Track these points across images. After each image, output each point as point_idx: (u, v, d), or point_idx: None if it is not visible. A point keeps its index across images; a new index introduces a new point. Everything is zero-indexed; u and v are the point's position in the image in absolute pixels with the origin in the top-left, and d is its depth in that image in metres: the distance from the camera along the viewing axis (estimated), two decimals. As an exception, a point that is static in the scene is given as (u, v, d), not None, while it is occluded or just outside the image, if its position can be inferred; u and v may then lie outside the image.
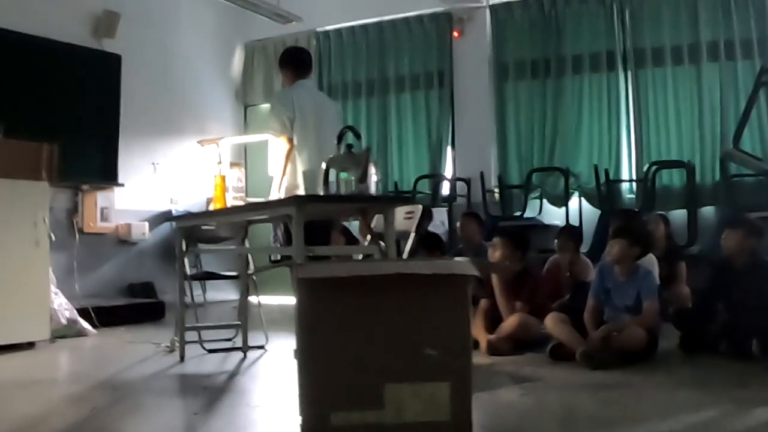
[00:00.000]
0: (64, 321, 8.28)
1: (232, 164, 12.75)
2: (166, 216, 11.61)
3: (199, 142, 12.20)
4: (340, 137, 5.78)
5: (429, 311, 3.59)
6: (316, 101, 7.36)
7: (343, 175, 5.44)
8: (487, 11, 11.73)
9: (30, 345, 7.48)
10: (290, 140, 7.03)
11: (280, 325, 7.95)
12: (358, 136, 5.96)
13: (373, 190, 5.51)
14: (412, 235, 7.15)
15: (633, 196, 10.59)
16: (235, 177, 12.45)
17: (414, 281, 3.55)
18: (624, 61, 10.85)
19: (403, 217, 7.28)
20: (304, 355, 3.63)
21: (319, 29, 12.97)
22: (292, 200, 4.89)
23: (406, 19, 12.32)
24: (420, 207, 7.47)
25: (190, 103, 12.28)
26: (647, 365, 5.99)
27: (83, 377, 6.16)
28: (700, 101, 10.40)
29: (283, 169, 6.96)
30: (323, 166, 5.58)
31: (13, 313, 7.29)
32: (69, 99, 10.36)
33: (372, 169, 5.47)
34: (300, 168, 7.01)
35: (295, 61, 7.59)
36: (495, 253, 7.35)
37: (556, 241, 8.50)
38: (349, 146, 5.56)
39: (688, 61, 10.51)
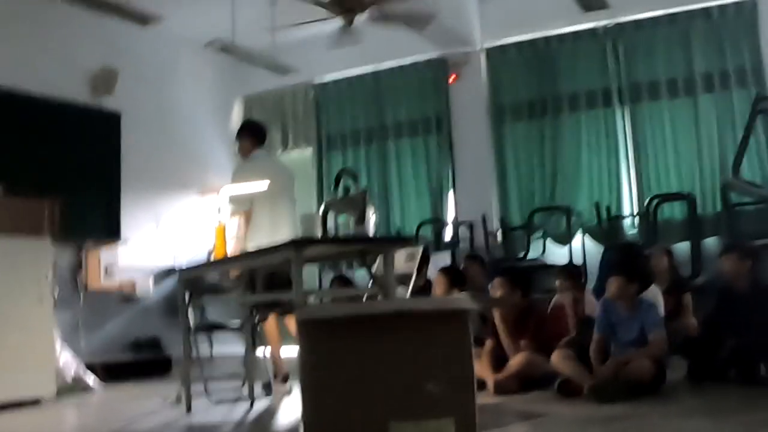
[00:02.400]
0: (70, 377, 8.27)
1: (233, 213, 12.74)
2: (170, 271, 11.61)
3: (199, 193, 12.23)
4: (338, 181, 5.80)
5: (431, 347, 3.58)
6: (274, 169, 7.99)
7: (342, 217, 5.46)
8: (482, 55, 11.78)
9: (36, 401, 7.47)
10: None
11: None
12: (354, 178, 5.98)
13: (371, 231, 5.52)
14: (414, 276, 7.16)
15: (636, 230, 10.56)
16: (236, 226, 12.44)
17: (414, 318, 3.55)
18: (620, 97, 10.88)
19: (405, 260, 7.29)
20: (307, 395, 3.62)
21: (317, 80, 13.03)
22: (291, 244, 4.87)
23: (401, 66, 12.39)
24: (420, 249, 7.49)
25: (190, 156, 12.32)
26: (656, 397, 5.97)
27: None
28: (697, 132, 10.40)
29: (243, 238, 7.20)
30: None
31: (19, 370, 7.28)
32: (70, 156, 10.40)
33: (370, 211, 5.47)
34: (252, 238, 7.37)
35: (255, 132, 8.29)
36: (495, 293, 7.35)
37: (557, 281, 8.47)
38: (347, 189, 5.58)
39: (684, 93, 10.53)
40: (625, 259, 7.80)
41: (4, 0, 9.85)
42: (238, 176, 8.07)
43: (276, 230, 7.51)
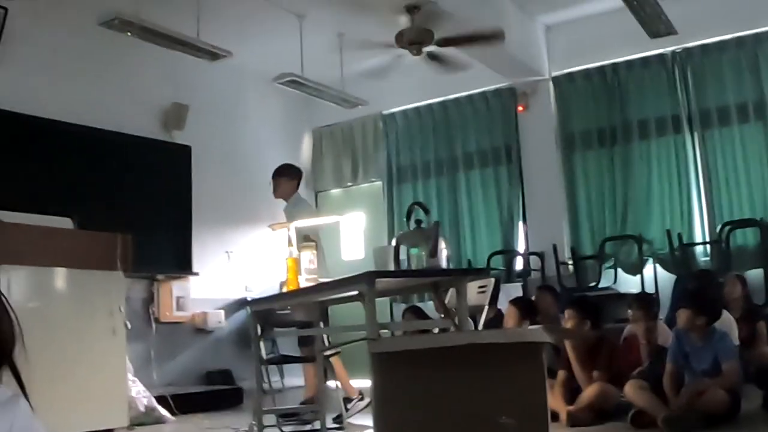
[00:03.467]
0: (142, 408, 8.33)
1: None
2: (242, 303, 11.69)
3: (270, 227, 12.28)
4: (409, 214, 5.81)
5: (504, 380, 3.58)
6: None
7: (414, 250, 5.45)
8: (550, 83, 11.76)
9: (108, 432, 7.55)
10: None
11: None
12: (426, 211, 5.97)
13: (444, 264, 5.50)
14: (486, 308, 7.15)
15: (708, 258, 10.44)
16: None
17: (488, 351, 3.55)
18: (690, 123, 10.77)
19: (477, 291, 7.29)
20: (380, 429, 3.62)
21: (385, 112, 13.11)
22: (363, 277, 4.88)
23: (470, 96, 12.40)
24: (492, 281, 7.48)
25: (260, 190, 12.31)
26: (730, 427, 5.90)
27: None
28: (768, 157, 10.31)
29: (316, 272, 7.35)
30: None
31: (92, 401, 7.35)
32: (141, 190, 10.56)
33: (442, 244, 5.46)
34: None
35: (298, 175, 9.00)
36: (567, 323, 7.32)
37: (629, 311, 8.39)
38: (418, 222, 5.57)
39: (754, 117, 10.39)
40: (695, 290, 7.71)
41: (77, 40, 10.03)
42: (304, 213, 8.29)
43: (325, 266, 7.80)
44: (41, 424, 1.13)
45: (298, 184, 9.07)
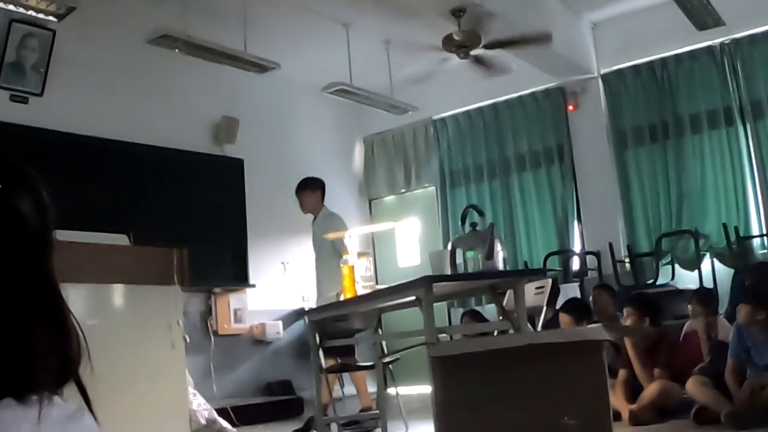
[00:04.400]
0: (203, 421, 8.38)
1: (360, 254, 12.79)
2: (299, 313, 11.72)
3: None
4: (464, 217, 5.80)
5: (565, 380, 3.56)
6: None
7: (470, 254, 5.44)
8: (600, 81, 11.70)
9: (168, 445, 7.60)
10: None
11: (419, 413, 7.91)
12: (481, 213, 5.96)
13: (500, 266, 5.49)
14: (544, 309, 7.12)
15: (765, 250, 10.33)
16: (363, 266, 12.50)
17: (547, 351, 3.53)
18: (741, 115, 10.64)
19: (534, 293, 7.27)
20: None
21: (435, 117, 13.10)
22: (421, 282, 4.88)
23: (520, 97, 12.37)
24: (549, 281, 7.45)
25: (314, 200, 12.40)
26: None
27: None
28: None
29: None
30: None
31: (152, 415, 7.37)
32: (196, 204, 10.64)
33: (498, 246, 5.45)
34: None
35: (321, 187, 9.02)
36: (626, 321, 7.27)
37: (689, 306, 8.31)
38: (474, 224, 5.56)
39: (807, 105, 10.30)
40: (754, 284, 7.64)
41: (126, 58, 10.12)
42: (335, 230, 8.37)
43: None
44: (105, 438, 1.14)
45: (323, 196, 9.10)
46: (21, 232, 1.14)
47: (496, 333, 6.34)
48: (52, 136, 9.20)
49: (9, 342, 1.09)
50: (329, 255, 8.36)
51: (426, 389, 4.93)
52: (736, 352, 6.39)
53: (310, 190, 8.96)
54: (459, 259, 5.49)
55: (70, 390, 1.14)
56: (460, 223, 5.86)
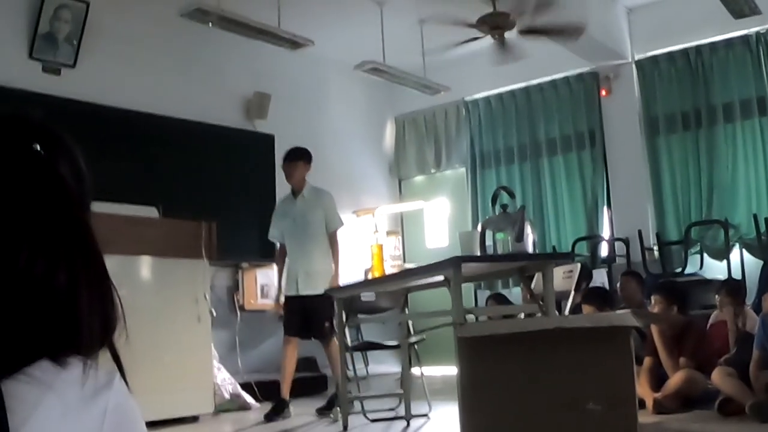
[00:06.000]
0: (227, 395, 8.43)
1: (389, 233, 12.77)
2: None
3: (354, 212, 12.32)
4: (494, 199, 5.79)
5: (591, 365, 3.55)
6: None
7: (500, 235, 5.43)
8: (633, 67, 11.63)
9: (194, 418, 7.65)
10: None
11: (443, 394, 7.92)
12: (512, 195, 5.95)
13: (530, 248, 5.48)
14: (572, 294, 7.10)
15: (797, 243, 10.26)
16: (392, 245, 12.49)
17: (574, 336, 3.52)
18: (775, 105, 10.59)
19: (562, 277, 7.25)
20: (466, 413, 3.61)
21: (467, 98, 13.07)
22: (450, 262, 4.87)
23: (552, 81, 12.31)
24: (578, 266, 7.43)
25: (343, 177, 12.38)
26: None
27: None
28: None
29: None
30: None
31: (178, 388, 7.45)
32: (225, 179, 10.66)
33: (528, 228, 5.44)
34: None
35: (311, 161, 8.63)
36: (653, 309, 7.25)
37: (716, 296, 8.26)
38: (504, 206, 5.55)
39: (841, 96, 10.21)
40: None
41: (159, 31, 10.14)
42: (331, 203, 8.66)
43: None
44: (136, 403, 1.15)
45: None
46: (65, 197, 1.14)
47: (522, 316, 6.34)
48: (84, 108, 9.21)
49: (55, 303, 1.09)
50: (321, 230, 8.31)
51: (450, 370, 4.92)
52: (762, 343, 6.35)
53: (304, 162, 8.52)
54: (488, 241, 5.48)
55: (101, 356, 1.15)
56: (490, 204, 5.85)
